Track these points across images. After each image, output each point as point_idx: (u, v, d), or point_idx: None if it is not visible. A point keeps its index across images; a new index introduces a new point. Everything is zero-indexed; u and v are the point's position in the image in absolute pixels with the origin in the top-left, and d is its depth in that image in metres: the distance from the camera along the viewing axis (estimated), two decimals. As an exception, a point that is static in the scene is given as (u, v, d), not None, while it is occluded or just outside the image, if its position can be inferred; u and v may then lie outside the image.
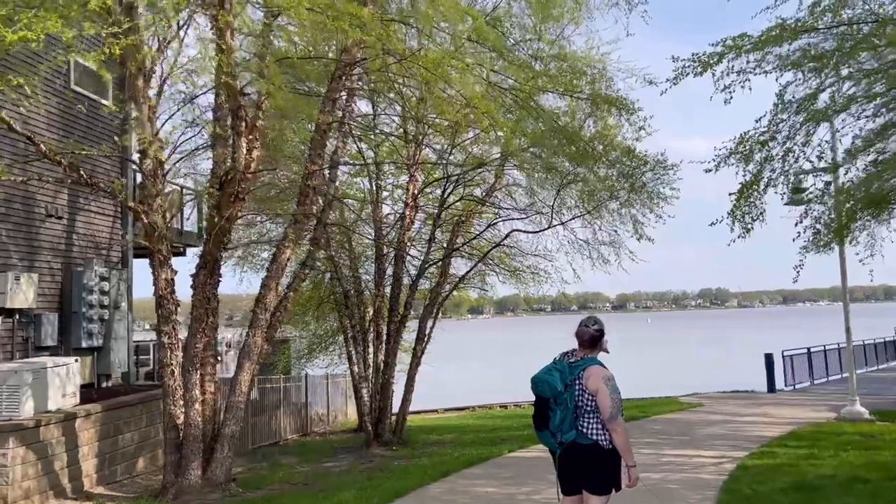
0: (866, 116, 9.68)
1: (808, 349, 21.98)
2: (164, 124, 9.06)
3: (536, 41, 10.40)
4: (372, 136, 15.90)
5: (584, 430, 4.55)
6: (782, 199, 12.24)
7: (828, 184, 13.25)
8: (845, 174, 11.55)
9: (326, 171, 11.03)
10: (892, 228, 12.57)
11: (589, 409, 4.55)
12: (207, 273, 8.71)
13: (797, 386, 20.72)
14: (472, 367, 52.00)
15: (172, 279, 8.96)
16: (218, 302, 9.47)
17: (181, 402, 8.74)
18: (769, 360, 20.62)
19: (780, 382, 20.61)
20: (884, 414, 14.14)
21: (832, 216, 12.25)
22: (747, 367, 32.11)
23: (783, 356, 20.75)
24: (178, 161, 13.80)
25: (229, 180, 8.12)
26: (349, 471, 10.91)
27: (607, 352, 4.83)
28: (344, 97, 10.58)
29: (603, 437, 4.53)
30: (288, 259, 9.64)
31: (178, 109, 9.30)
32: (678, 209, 13.35)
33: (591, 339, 4.71)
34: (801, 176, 13.89)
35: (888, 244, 20.85)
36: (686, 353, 60.91)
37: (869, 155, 10.98)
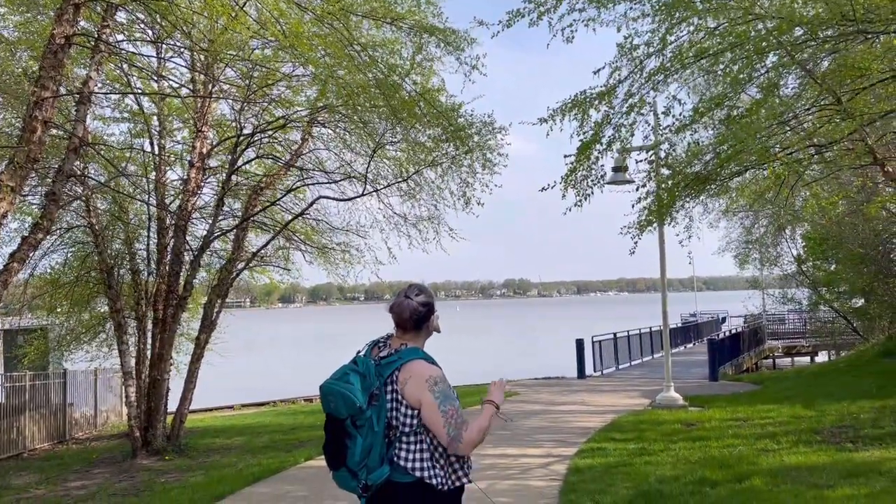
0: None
1: (615, 335, 22.25)
2: None
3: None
4: (156, 86, 13.32)
5: (402, 463, 2.86)
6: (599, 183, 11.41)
7: (651, 162, 12.85)
8: (672, 150, 10.97)
9: (73, 109, 8.47)
10: (711, 210, 12.48)
11: (409, 429, 2.88)
12: None
13: (605, 371, 20.83)
14: (276, 358, 49.32)
15: None
16: None
17: None
18: (580, 345, 20.51)
19: (588, 368, 20.58)
20: (693, 399, 14.16)
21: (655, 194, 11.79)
22: (552, 352, 32.92)
23: (593, 342, 20.74)
24: None
25: None
26: (96, 494, 8.47)
27: (438, 331, 3.20)
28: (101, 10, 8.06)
29: (432, 472, 2.86)
30: (3, 216, 7.03)
31: None
32: (484, 208, 12.26)
33: (415, 316, 3.02)
34: (626, 154, 13.53)
35: (703, 226, 21.48)
36: (494, 340, 62.55)
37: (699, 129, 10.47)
